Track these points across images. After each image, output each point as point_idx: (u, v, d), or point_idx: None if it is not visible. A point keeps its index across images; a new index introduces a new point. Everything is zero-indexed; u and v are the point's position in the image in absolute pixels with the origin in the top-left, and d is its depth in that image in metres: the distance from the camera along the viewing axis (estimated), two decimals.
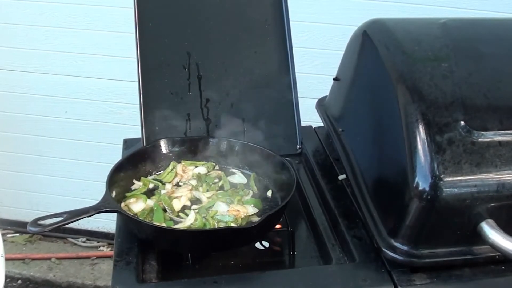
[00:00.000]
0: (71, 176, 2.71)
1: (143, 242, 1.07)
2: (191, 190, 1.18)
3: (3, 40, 2.44)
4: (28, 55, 2.45)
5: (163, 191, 1.18)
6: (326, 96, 1.46)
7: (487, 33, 1.19)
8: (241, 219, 1.10)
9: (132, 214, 1.10)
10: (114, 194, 1.11)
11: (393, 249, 0.99)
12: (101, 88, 2.47)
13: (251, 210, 1.14)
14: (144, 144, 1.30)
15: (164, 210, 1.12)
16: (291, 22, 1.40)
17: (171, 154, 1.27)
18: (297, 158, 1.39)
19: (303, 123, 1.41)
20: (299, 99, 1.39)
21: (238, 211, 1.11)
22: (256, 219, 1.11)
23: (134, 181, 1.21)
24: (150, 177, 1.23)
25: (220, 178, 1.24)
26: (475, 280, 0.99)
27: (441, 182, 0.93)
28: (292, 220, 1.15)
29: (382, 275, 1.00)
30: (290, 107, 1.37)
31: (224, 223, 1.08)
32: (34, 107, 2.56)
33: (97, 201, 1.05)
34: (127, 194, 1.16)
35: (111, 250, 2.76)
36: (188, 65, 1.35)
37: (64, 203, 2.72)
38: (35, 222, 0.98)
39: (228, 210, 1.12)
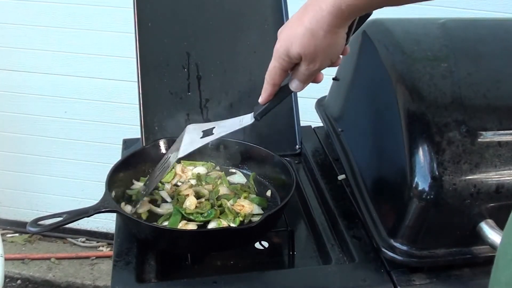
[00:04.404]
0: (71, 176, 2.71)
1: (142, 242, 1.07)
2: (191, 186, 1.18)
3: (3, 40, 2.44)
4: (28, 55, 2.45)
5: (162, 192, 1.18)
6: (325, 96, 1.46)
7: (487, 33, 1.19)
8: (245, 215, 1.10)
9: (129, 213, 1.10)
10: (113, 194, 1.11)
11: (393, 249, 0.99)
12: (101, 88, 2.47)
13: (256, 209, 1.14)
14: (144, 144, 1.30)
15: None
16: None
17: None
18: (297, 158, 1.39)
19: (302, 123, 1.41)
20: (299, 99, 1.39)
21: (243, 206, 1.11)
22: (256, 219, 1.11)
23: (134, 181, 1.21)
24: None
25: (219, 178, 1.24)
26: (475, 280, 0.99)
27: (441, 182, 0.93)
28: (291, 220, 1.15)
29: (381, 275, 1.00)
30: (290, 107, 1.38)
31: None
32: (34, 107, 2.56)
33: (97, 201, 1.05)
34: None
35: (110, 250, 2.76)
36: (187, 65, 1.35)
37: (64, 203, 2.72)
38: (34, 222, 0.98)
39: (232, 205, 1.12)
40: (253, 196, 1.18)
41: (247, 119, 1.00)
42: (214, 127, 1.03)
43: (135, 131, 1.35)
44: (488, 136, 0.96)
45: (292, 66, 0.88)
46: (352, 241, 1.08)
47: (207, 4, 1.38)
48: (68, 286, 2.62)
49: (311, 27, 0.80)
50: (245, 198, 1.16)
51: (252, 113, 0.99)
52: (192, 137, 1.03)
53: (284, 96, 0.95)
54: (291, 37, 0.84)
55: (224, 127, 1.02)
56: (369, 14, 0.88)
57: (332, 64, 0.88)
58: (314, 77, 0.90)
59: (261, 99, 0.96)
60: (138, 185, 1.20)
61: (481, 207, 0.95)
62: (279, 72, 0.90)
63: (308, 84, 0.91)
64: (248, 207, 1.12)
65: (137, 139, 1.35)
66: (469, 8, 2.07)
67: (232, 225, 1.08)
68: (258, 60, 1.37)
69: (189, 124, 1.09)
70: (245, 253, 1.12)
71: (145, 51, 1.32)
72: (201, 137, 1.02)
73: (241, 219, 1.09)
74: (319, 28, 0.80)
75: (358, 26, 0.87)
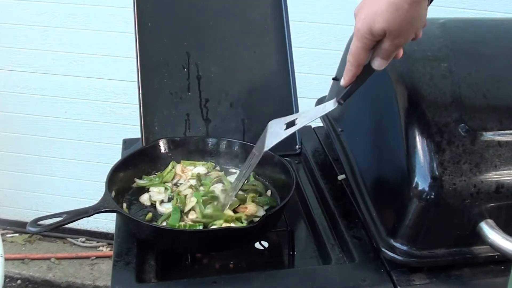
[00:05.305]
0: (71, 176, 2.71)
1: (142, 242, 1.07)
2: (190, 187, 1.18)
3: (3, 40, 2.44)
4: (28, 55, 2.45)
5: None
6: (325, 96, 1.46)
7: (487, 33, 1.19)
8: (247, 217, 1.10)
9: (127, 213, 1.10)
10: (113, 194, 1.11)
11: (393, 249, 0.99)
12: (101, 88, 2.47)
13: (261, 211, 1.13)
14: (144, 144, 1.30)
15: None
16: (290, 22, 1.40)
17: (170, 154, 1.27)
18: (297, 158, 1.39)
19: None
20: (299, 99, 1.39)
21: (246, 208, 1.11)
22: (257, 219, 1.11)
23: (136, 179, 1.21)
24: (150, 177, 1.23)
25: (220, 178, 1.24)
26: (475, 280, 0.99)
27: (441, 182, 0.93)
28: (291, 220, 1.15)
29: (381, 275, 1.00)
30: (290, 107, 1.37)
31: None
32: (34, 107, 2.56)
33: (97, 201, 1.05)
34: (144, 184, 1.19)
35: (110, 250, 2.76)
36: (187, 65, 1.35)
37: (64, 203, 2.72)
38: (34, 222, 0.98)
39: (237, 207, 1.12)
40: (259, 196, 1.17)
41: (330, 105, 0.98)
42: (296, 118, 1.03)
43: (135, 131, 1.35)
44: (488, 136, 0.96)
45: (375, 44, 0.87)
46: (352, 241, 1.08)
47: (207, 4, 1.38)
48: (68, 286, 2.62)
49: (394, 0, 0.80)
50: (252, 198, 1.15)
51: (334, 99, 0.97)
52: (275, 131, 1.05)
53: (366, 76, 0.92)
54: (373, 14, 0.82)
55: (307, 116, 1.02)
56: None
57: (414, 38, 0.86)
58: (396, 53, 0.89)
59: (343, 82, 0.93)
60: (141, 182, 1.21)
61: (481, 207, 0.95)
62: (362, 52, 0.88)
63: (390, 60, 0.89)
64: (252, 209, 1.11)
65: (137, 139, 1.35)
66: (469, 8, 2.07)
67: (233, 225, 1.08)
68: (258, 60, 1.37)
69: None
70: (245, 253, 1.12)
71: (145, 51, 1.32)
72: (285, 129, 1.03)
73: (243, 220, 1.09)
74: (403, 1, 0.79)
75: None
